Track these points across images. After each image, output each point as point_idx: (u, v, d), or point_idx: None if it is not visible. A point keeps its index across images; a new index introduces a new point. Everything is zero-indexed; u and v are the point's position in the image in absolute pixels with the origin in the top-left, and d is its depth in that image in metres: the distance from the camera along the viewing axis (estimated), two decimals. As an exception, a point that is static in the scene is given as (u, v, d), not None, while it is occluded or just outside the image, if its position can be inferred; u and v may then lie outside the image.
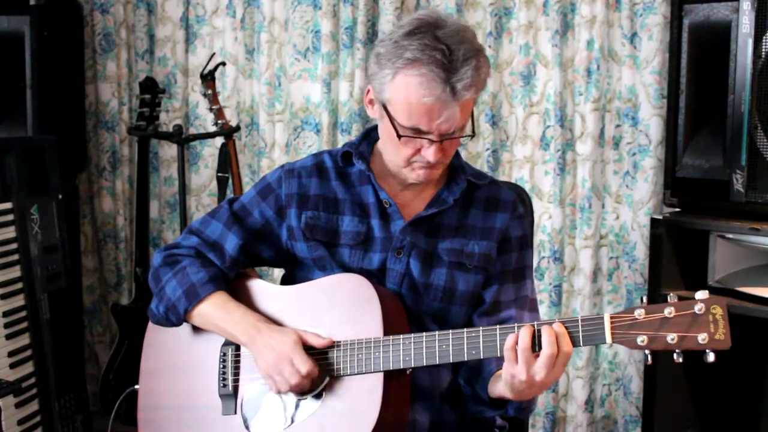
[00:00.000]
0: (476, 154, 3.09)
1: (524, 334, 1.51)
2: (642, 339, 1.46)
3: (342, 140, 3.18)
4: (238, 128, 3.11)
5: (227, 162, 3.08)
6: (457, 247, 1.75)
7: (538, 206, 3.00)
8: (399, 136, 1.64)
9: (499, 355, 1.56)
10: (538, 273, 3.01)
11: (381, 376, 1.61)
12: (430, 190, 1.79)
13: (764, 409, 2.58)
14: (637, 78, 2.87)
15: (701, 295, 1.45)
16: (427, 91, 1.58)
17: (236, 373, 1.74)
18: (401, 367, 1.60)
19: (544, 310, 2.99)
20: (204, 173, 3.44)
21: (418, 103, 1.59)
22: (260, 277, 1.85)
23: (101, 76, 3.43)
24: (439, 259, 1.75)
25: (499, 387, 1.62)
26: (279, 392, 1.67)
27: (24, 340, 2.60)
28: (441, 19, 1.63)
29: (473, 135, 1.70)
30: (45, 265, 2.67)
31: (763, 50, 2.36)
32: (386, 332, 1.63)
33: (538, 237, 3.01)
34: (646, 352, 1.48)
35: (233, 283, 1.81)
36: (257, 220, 1.81)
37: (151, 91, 3.12)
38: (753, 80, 2.37)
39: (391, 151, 1.71)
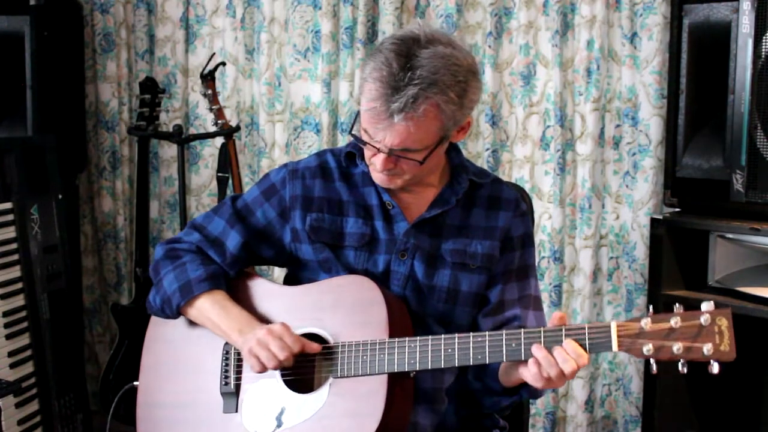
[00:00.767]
0: (476, 154, 3.09)
1: (539, 353, 1.52)
2: (648, 348, 1.48)
3: (342, 140, 3.18)
4: (238, 128, 3.11)
5: (227, 162, 3.08)
6: (460, 247, 1.75)
7: (538, 206, 3.00)
8: (351, 134, 1.70)
9: (504, 360, 1.56)
10: (538, 273, 3.01)
11: (385, 378, 1.60)
12: (433, 190, 1.78)
13: (764, 409, 2.58)
14: (637, 78, 2.87)
15: (707, 306, 1.46)
16: (369, 101, 1.60)
17: (238, 372, 1.74)
18: (406, 370, 1.60)
19: (544, 311, 2.98)
20: (204, 173, 3.44)
21: (365, 107, 1.61)
22: (260, 276, 1.84)
23: (101, 76, 3.43)
24: (442, 260, 1.75)
25: (513, 376, 1.62)
26: (263, 370, 1.65)
27: (24, 340, 2.60)
28: (433, 39, 1.61)
29: (421, 162, 1.65)
30: (45, 265, 2.67)
31: (763, 50, 2.36)
32: (391, 334, 1.62)
33: (538, 237, 3.01)
34: (652, 361, 1.49)
35: (235, 281, 1.81)
36: (260, 220, 1.81)
37: (151, 91, 3.12)
38: (753, 80, 2.37)
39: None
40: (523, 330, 1.55)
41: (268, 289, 1.80)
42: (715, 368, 1.45)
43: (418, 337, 1.60)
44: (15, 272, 2.59)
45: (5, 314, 2.54)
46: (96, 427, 2.90)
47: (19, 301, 2.60)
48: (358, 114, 1.67)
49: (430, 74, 1.57)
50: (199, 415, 1.75)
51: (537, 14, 2.98)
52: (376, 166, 1.67)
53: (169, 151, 3.46)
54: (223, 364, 1.75)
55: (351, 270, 1.75)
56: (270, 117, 3.28)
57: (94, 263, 3.52)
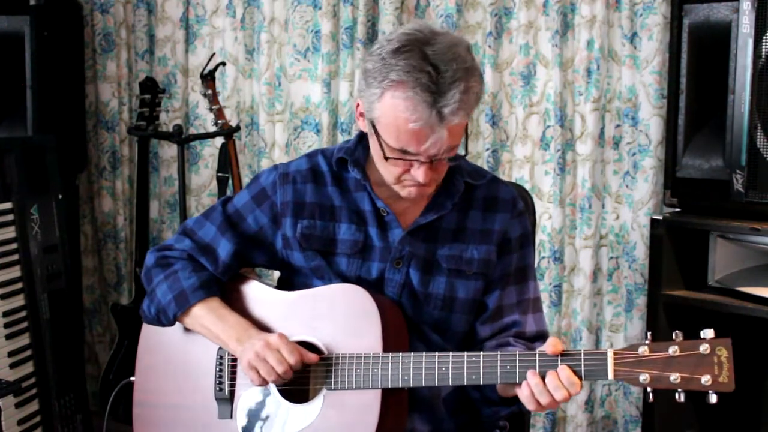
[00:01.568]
0: (476, 154, 3.09)
1: (532, 380, 1.51)
2: (645, 377, 1.45)
3: (342, 140, 3.18)
4: (238, 128, 3.11)
5: (227, 162, 3.08)
6: (456, 253, 1.72)
7: (538, 206, 2.99)
8: (386, 158, 1.59)
9: (499, 382, 1.56)
10: (538, 273, 3.01)
11: (379, 391, 1.60)
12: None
13: (764, 409, 2.58)
14: (637, 78, 2.87)
15: (707, 334, 1.44)
16: (413, 115, 1.51)
17: (233, 378, 1.73)
18: (399, 386, 1.59)
19: (544, 311, 2.98)
20: (204, 173, 3.44)
21: (405, 126, 1.53)
22: (259, 276, 1.84)
23: (101, 76, 3.43)
24: (438, 266, 1.72)
25: (510, 389, 1.61)
26: (263, 383, 1.65)
27: (24, 340, 2.60)
28: (432, 33, 1.56)
29: (465, 154, 1.65)
30: (45, 265, 2.67)
31: (763, 50, 2.36)
32: (386, 347, 1.61)
33: (538, 237, 3.01)
34: (648, 389, 1.47)
35: (229, 284, 1.79)
36: (251, 226, 1.78)
37: (151, 91, 3.13)
38: (753, 80, 2.37)
39: (381, 168, 1.65)
40: (518, 353, 1.54)
41: (262, 294, 1.77)
42: (713, 399, 1.42)
43: (412, 353, 1.59)
44: (15, 272, 2.59)
45: (5, 314, 2.54)
46: (96, 427, 2.90)
47: (19, 301, 2.60)
48: (378, 135, 1.58)
49: (461, 64, 1.52)
50: (195, 418, 1.75)
51: (537, 14, 2.98)
52: (416, 178, 1.59)
53: (169, 151, 3.46)
54: (217, 369, 1.74)
55: (344, 277, 1.72)
56: (270, 117, 3.28)
57: (94, 263, 3.52)
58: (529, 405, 1.53)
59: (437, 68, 1.51)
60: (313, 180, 1.76)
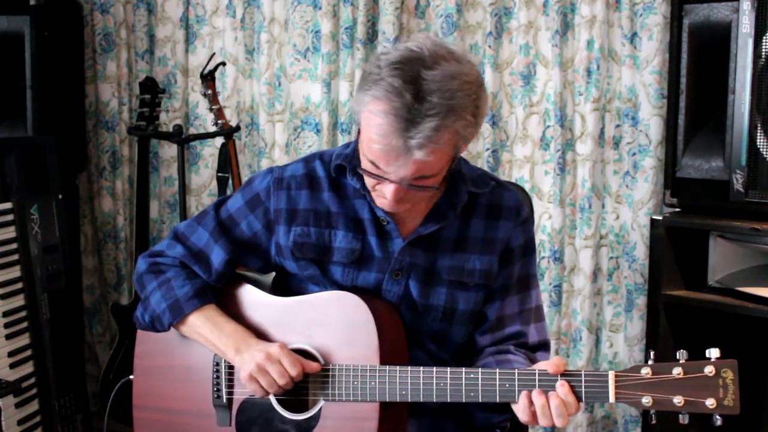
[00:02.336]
0: (476, 154, 3.09)
1: (537, 397, 1.49)
2: (647, 400, 1.42)
3: (342, 140, 3.18)
4: (238, 128, 3.11)
5: (227, 162, 3.08)
6: (458, 264, 1.68)
7: (538, 206, 3.00)
8: (359, 168, 1.56)
9: (498, 400, 1.54)
10: (538, 273, 3.01)
11: (377, 403, 1.59)
12: (428, 202, 1.68)
13: (764, 409, 2.58)
14: (637, 78, 2.87)
15: (712, 353, 1.41)
16: (380, 137, 1.46)
17: (230, 385, 1.72)
18: (397, 400, 1.58)
19: (544, 311, 2.98)
20: (204, 173, 3.44)
21: (373, 144, 1.48)
22: (257, 276, 1.81)
23: (101, 76, 3.43)
24: (438, 277, 1.68)
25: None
26: (264, 395, 1.64)
27: (24, 340, 2.60)
28: (437, 56, 1.48)
29: (437, 188, 1.57)
30: (45, 265, 2.67)
31: (763, 50, 2.36)
32: (383, 357, 1.59)
33: (538, 237, 3.01)
34: (651, 411, 1.44)
35: (224, 290, 1.76)
36: (245, 232, 1.74)
37: (151, 91, 3.13)
38: (753, 80, 2.37)
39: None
40: (517, 371, 1.52)
41: (258, 300, 1.74)
42: (717, 422, 1.40)
43: (410, 368, 1.57)
44: (15, 272, 2.59)
45: (5, 314, 2.54)
46: (96, 427, 2.90)
47: (19, 301, 2.60)
48: (358, 141, 1.55)
49: (446, 100, 1.44)
50: (195, 424, 1.74)
51: (537, 14, 2.98)
52: (384, 194, 1.55)
53: (169, 151, 3.46)
54: (214, 376, 1.72)
55: (339, 286, 1.69)
56: (270, 117, 3.28)
57: (94, 263, 3.51)
58: (523, 416, 1.51)
59: (419, 96, 1.44)
60: (308, 186, 1.71)
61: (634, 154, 2.89)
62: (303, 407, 1.66)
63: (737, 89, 2.39)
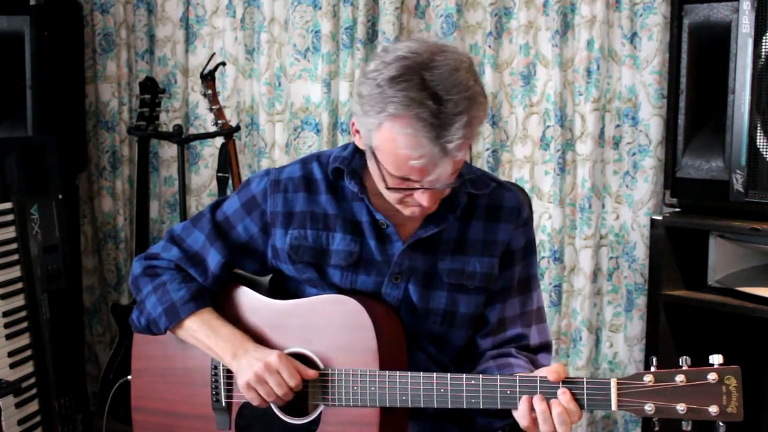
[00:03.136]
0: (476, 154, 3.09)
1: (539, 403, 1.47)
2: (650, 408, 1.41)
3: (342, 140, 3.18)
4: (238, 128, 3.11)
5: (227, 162, 3.08)
6: (458, 267, 1.66)
7: (538, 206, 3.00)
8: (388, 188, 1.53)
9: (499, 406, 1.52)
10: (538, 273, 3.00)
11: (378, 408, 1.58)
12: None
13: (764, 409, 2.58)
14: (637, 78, 2.87)
15: (715, 360, 1.40)
16: (414, 152, 1.44)
17: (229, 389, 1.70)
18: (397, 405, 1.57)
19: (547, 320, 2.98)
20: (204, 173, 3.44)
21: (406, 161, 1.46)
22: (254, 278, 1.80)
23: (101, 76, 3.43)
24: (438, 280, 1.66)
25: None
26: (262, 404, 1.63)
27: (24, 340, 2.60)
28: (430, 54, 1.46)
29: (462, 179, 1.57)
30: (45, 265, 2.67)
31: (763, 50, 2.36)
32: (382, 362, 1.58)
33: (538, 237, 3.01)
34: (654, 419, 1.43)
35: (221, 293, 1.75)
36: (241, 235, 1.72)
37: (151, 91, 3.13)
38: (753, 80, 2.37)
39: (382, 190, 1.58)
40: (518, 377, 1.51)
41: (256, 303, 1.72)
42: (721, 430, 1.39)
43: (410, 373, 1.56)
44: (15, 272, 2.59)
45: (5, 314, 2.54)
46: (96, 427, 2.90)
47: (19, 301, 2.60)
48: (377, 162, 1.52)
49: (463, 92, 1.43)
50: (195, 427, 1.73)
51: (537, 14, 2.98)
52: (420, 202, 1.53)
53: (169, 151, 3.46)
54: (212, 380, 1.71)
55: (337, 290, 1.67)
56: (270, 117, 3.28)
57: (94, 263, 3.52)
58: (522, 420, 1.49)
59: (438, 99, 1.42)
60: (305, 188, 1.69)
61: (634, 154, 2.89)
62: (303, 411, 1.66)
63: (737, 89, 2.39)
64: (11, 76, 3.02)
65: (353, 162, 1.66)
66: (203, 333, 1.68)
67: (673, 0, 2.59)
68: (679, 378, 1.40)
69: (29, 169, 2.65)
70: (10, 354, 2.54)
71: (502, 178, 3.02)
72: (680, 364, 1.41)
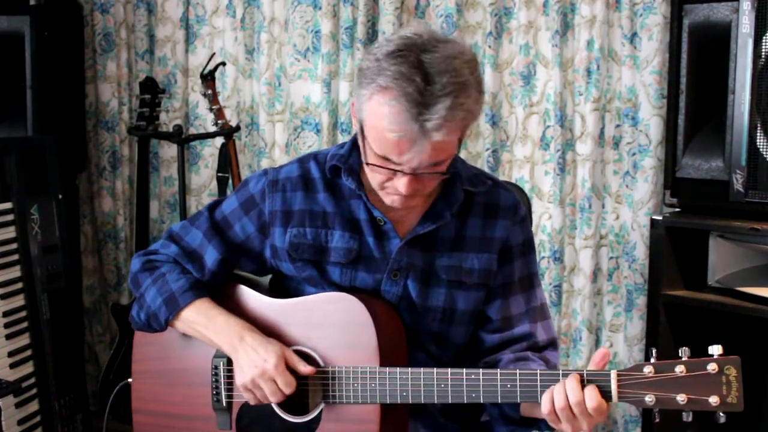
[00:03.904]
0: (476, 154, 3.09)
1: (559, 395, 1.46)
2: (650, 399, 1.41)
3: (342, 140, 3.17)
4: (238, 128, 3.11)
5: (227, 162, 3.08)
6: (456, 263, 1.67)
7: (538, 206, 3.00)
8: (368, 163, 1.53)
9: (499, 400, 1.53)
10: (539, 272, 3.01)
11: (378, 405, 1.59)
12: (424, 200, 1.65)
13: (764, 409, 2.58)
14: (637, 78, 2.87)
15: (715, 350, 1.40)
16: (394, 125, 1.44)
17: (229, 389, 1.70)
18: (398, 401, 1.58)
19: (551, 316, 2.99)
20: (204, 173, 3.44)
21: (386, 135, 1.46)
22: (254, 278, 1.80)
23: (101, 76, 3.43)
24: (437, 277, 1.67)
25: (535, 411, 1.56)
26: (259, 403, 1.64)
27: (24, 340, 2.60)
28: (433, 40, 1.48)
29: (445, 172, 1.55)
30: (45, 265, 2.67)
31: (763, 50, 2.36)
32: (383, 359, 1.58)
33: (538, 237, 3.01)
34: (655, 410, 1.43)
35: (221, 293, 1.75)
36: (238, 234, 1.73)
37: (151, 91, 3.13)
38: (753, 80, 2.37)
39: (367, 171, 1.59)
40: (518, 371, 1.51)
41: (256, 302, 1.72)
42: (721, 419, 1.39)
43: (410, 369, 1.57)
44: (15, 272, 2.59)
45: (5, 314, 2.54)
46: (96, 427, 2.90)
47: (19, 301, 2.60)
48: (363, 137, 1.53)
49: (455, 78, 1.44)
50: (195, 428, 1.73)
51: (537, 14, 2.98)
52: (397, 188, 1.53)
53: (169, 151, 3.46)
54: (213, 380, 1.71)
55: (337, 287, 1.68)
56: (270, 117, 3.28)
57: (94, 263, 3.52)
58: (548, 414, 1.48)
59: (428, 78, 1.43)
60: (303, 187, 1.70)
61: (634, 154, 2.89)
62: (304, 409, 1.66)
63: (737, 89, 2.39)
64: (11, 76, 3.02)
65: (350, 159, 1.67)
66: (201, 324, 1.68)
67: (673, 0, 2.59)
68: (679, 369, 1.40)
69: (29, 169, 2.65)
70: (10, 354, 2.54)
71: (502, 178, 3.03)
72: (680, 355, 1.42)
